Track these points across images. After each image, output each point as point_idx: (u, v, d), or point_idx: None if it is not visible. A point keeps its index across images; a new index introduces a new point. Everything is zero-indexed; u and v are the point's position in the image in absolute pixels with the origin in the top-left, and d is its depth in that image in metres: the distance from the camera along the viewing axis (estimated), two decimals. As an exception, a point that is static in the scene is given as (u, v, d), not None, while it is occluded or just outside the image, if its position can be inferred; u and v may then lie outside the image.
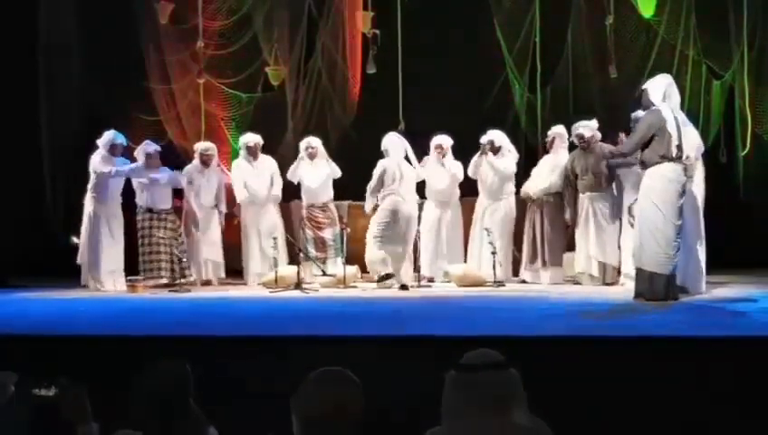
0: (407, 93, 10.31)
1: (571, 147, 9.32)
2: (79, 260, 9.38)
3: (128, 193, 9.52)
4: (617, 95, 9.93)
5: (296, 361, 4.34)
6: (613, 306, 7.09)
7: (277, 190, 9.79)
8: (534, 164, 9.65)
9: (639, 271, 7.23)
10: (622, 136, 8.61)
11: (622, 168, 8.62)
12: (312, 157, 9.62)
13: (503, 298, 8.07)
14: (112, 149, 9.31)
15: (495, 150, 9.44)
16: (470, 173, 9.50)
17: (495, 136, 9.47)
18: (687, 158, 7.19)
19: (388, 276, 8.77)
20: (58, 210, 10.77)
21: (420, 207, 9.31)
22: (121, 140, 9.39)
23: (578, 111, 9.95)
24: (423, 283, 9.17)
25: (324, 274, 9.21)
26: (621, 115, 8.64)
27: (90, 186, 9.28)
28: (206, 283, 9.68)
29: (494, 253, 8.88)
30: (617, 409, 4.42)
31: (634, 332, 5.50)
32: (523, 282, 9.33)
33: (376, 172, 8.92)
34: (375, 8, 10.26)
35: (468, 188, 9.67)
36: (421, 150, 9.45)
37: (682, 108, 7.92)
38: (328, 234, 9.57)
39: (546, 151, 9.54)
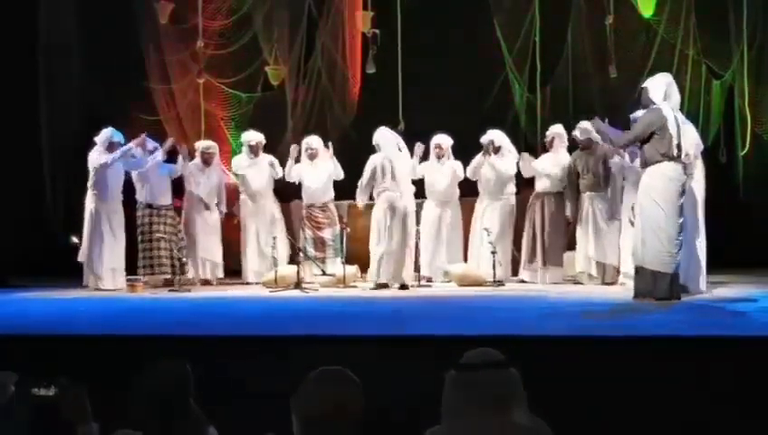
0: (406, 93, 10.31)
1: (572, 147, 9.33)
2: (80, 258, 9.37)
3: (128, 190, 9.52)
4: (617, 95, 9.93)
5: (296, 361, 4.35)
6: (613, 306, 7.08)
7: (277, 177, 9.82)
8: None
9: (640, 270, 7.19)
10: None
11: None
12: (312, 157, 9.63)
13: (502, 298, 8.07)
14: (110, 147, 9.31)
15: (496, 150, 9.44)
16: (469, 174, 9.49)
17: (496, 136, 9.47)
18: (687, 156, 7.19)
19: (381, 286, 8.73)
20: (58, 210, 10.78)
21: (420, 207, 9.31)
22: (119, 137, 9.38)
23: (578, 111, 9.96)
24: (423, 282, 9.16)
25: (324, 273, 9.21)
26: (621, 115, 8.63)
27: (90, 183, 9.27)
28: (205, 282, 9.69)
29: (493, 253, 8.89)
30: (617, 409, 4.42)
31: (634, 332, 5.49)
32: (522, 281, 9.33)
33: (367, 168, 8.88)
34: (375, 8, 10.26)
35: (468, 188, 9.66)
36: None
37: (682, 108, 7.93)
38: (327, 234, 9.57)
39: (546, 151, 9.55)
